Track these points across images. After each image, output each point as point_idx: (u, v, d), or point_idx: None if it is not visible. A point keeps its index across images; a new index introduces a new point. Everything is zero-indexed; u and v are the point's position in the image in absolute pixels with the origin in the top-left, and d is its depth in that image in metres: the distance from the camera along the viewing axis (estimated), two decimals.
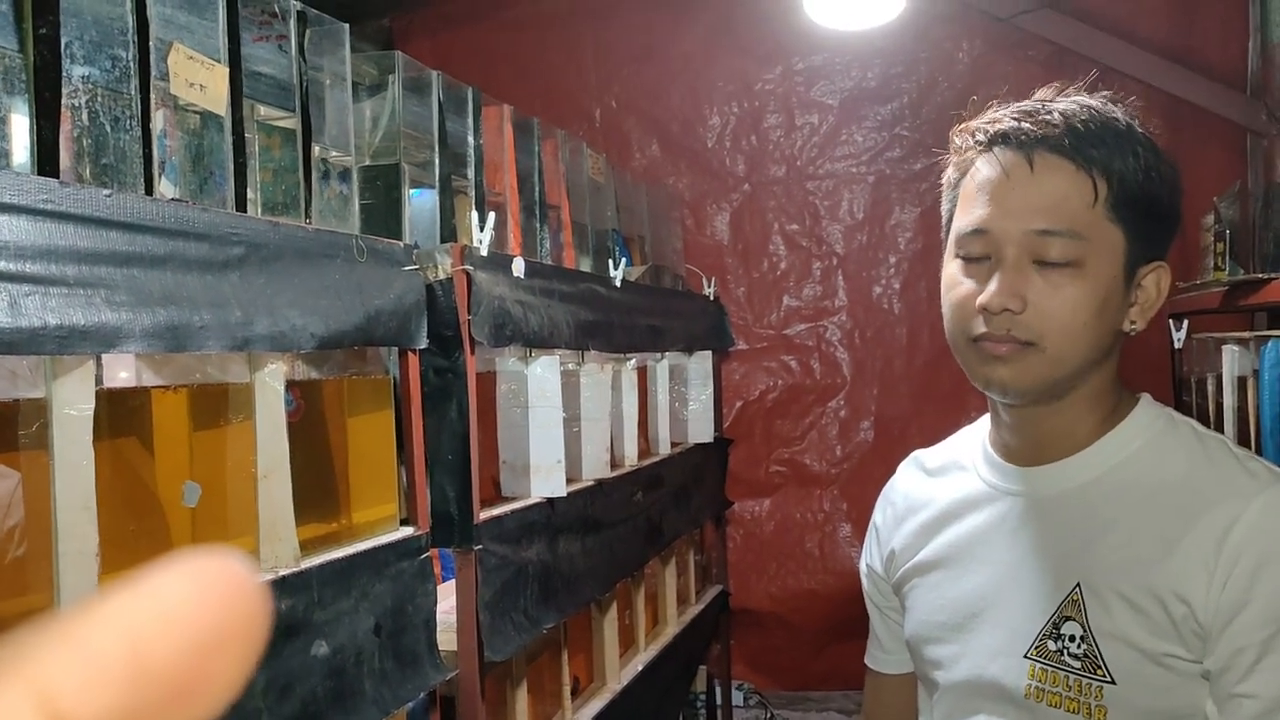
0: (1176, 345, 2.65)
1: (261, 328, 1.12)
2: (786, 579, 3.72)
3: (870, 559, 1.31)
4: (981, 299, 1.02)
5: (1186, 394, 2.62)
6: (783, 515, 3.75)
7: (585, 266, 2.30)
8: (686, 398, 2.90)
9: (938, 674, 1.16)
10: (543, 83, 3.74)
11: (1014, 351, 1.02)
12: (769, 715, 3.64)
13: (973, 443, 1.20)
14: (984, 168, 1.05)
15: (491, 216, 1.63)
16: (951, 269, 1.08)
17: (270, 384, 1.19)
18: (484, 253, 1.59)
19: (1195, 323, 2.68)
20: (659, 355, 2.62)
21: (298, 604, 1.19)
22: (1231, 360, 2.24)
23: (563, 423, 1.81)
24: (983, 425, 1.20)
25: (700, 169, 3.78)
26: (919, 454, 1.30)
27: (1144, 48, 3.24)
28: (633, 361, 2.34)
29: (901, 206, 3.67)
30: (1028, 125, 1.03)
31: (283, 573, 1.18)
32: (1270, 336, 2.02)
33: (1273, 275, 2.17)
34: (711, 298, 3.19)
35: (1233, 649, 0.96)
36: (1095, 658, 1.01)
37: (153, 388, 1.08)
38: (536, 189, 2.05)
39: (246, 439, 1.18)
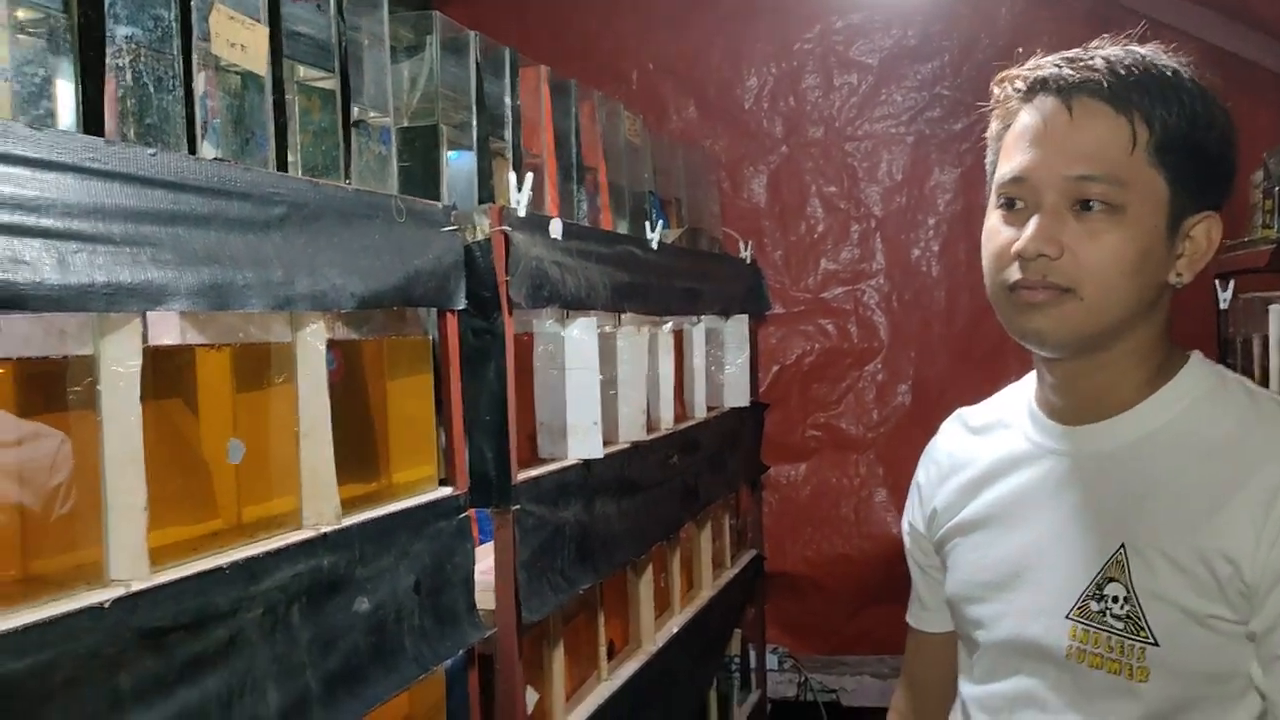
0: (1222, 305, 2.61)
1: (302, 287, 1.12)
2: (822, 543, 3.73)
3: (912, 517, 1.30)
4: (1017, 245, 1.01)
5: (1231, 356, 2.58)
6: (819, 480, 3.75)
7: (622, 229, 2.30)
8: (723, 361, 2.89)
9: (979, 633, 1.15)
10: (579, 45, 3.72)
11: (1051, 299, 1.01)
12: (803, 679, 3.66)
13: (1018, 401, 1.19)
14: (1025, 116, 1.04)
15: (529, 178, 1.63)
16: (992, 220, 1.07)
17: (312, 343, 1.20)
18: (521, 214, 1.59)
19: (1242, 282, 2.63)
20: (695, 319, 2.62)
21: (340, 561, 1.21)
22: (1278, 320, 2.20)
23: (599, 385, 1.82)
24: (1028, 383, 1.18)
25: (737, 131, 3.75)
26: (963, 411, 1.29)
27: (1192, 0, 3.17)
28: (669, 325, 2.33)
29: (941, 168, 3.63)
30: (1068, 71, 1.02)
31: (325, 530, 1.19)
32: None
33: None
34: (748, 261, 3.17)
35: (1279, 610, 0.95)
36: (1139, 619, 1.00)
37: (197, 346, 1.09)
38: (573, 151, 2.04)
39: (288, 398, 1.19)
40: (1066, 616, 1.05)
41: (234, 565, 1.04)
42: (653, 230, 2.24)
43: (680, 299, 2.41)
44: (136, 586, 0.94)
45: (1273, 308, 2.24)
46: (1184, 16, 3.09)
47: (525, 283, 1.58)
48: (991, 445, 1.19)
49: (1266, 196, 2.54)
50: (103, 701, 0.88)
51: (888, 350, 3.70)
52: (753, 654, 3.33)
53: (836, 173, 3.70)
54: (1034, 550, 1.10)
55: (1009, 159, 1.05)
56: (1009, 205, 1.05)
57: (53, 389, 0.93)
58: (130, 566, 0.95)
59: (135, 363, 0.95)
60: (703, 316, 2.66)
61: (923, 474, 1.29)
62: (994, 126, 1.10)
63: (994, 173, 1.08)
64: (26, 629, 0.82)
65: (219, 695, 1.01)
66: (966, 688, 1.19)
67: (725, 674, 3.05)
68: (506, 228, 1.54)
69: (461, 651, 1.48)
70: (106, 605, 0.89)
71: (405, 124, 1.58)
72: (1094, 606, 1.03)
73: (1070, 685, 1.05)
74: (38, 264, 0.83)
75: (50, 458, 0.94)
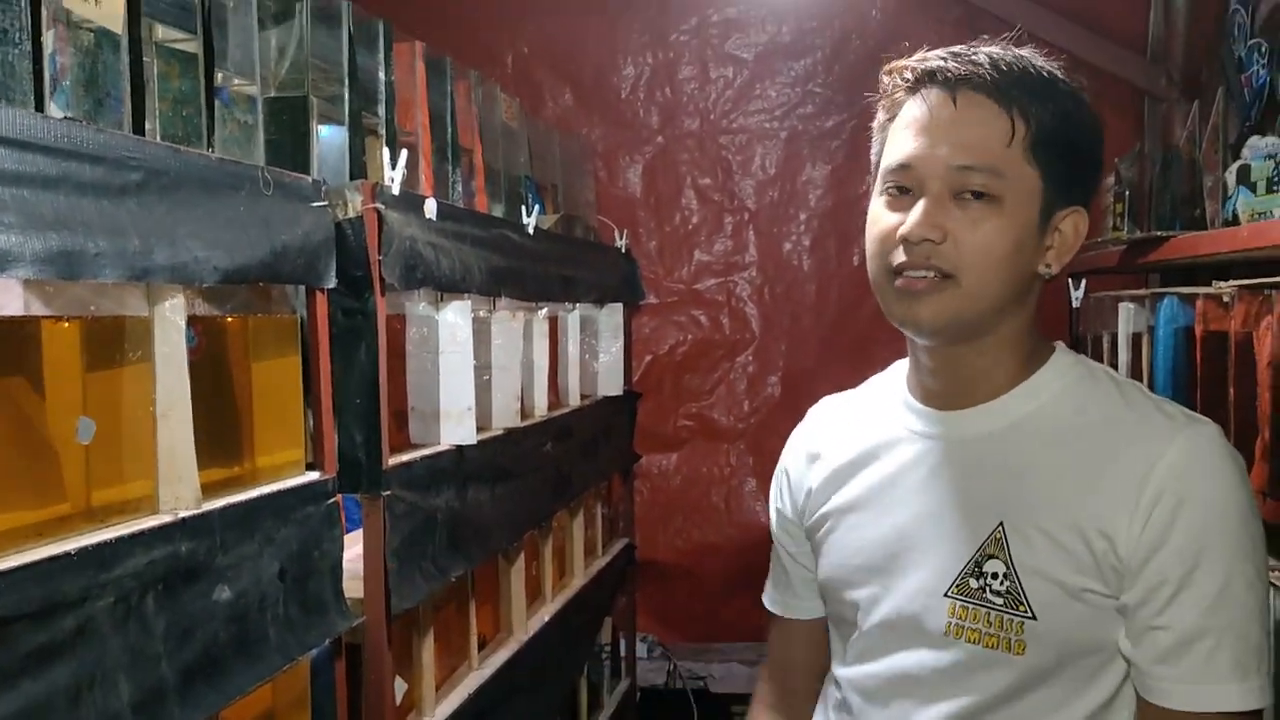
0: (1075, 304, 2.72)
1: (161, 258, 1.07)
2: (692, 532, 3.76)
3: (781, 504, 1.31)
4: (903, 229, 1.05)
5: (1083, 352, 2.69)
6: (690, 469, 3.77)
7: (497, 212, 2.26)
8: (597, 350, 2.88)
9: (856, 616, 1.17)
10: (454, 26, 3.64)
11: (932, 286, 1.04)
12: (672, 666, 3.68)
13: (887, 389, 1.22)
14: (911, 106, 1.08)
15: (403, 155, 1.59)
16: (876, 206, 1.10)
17: (170, 318, 1.13)
18: (395, 192, 1.55)
19: (1093, 282, 2.76)
20: (570, 306, 2.60)
21: (199, 547, 1.15)
22: (1127, 317, 2.31)
23: (473, 370, 1.78)
24: (897, 371, 1.21)
25: (613, 120, 3.74)
26: (829, 399, 1.32)
27: (1051, 9, 3.29)
28: (544, 311, 2.31)
29: (813, 163, 3.69)
30: (953, 64, 1.06)
31: (183, 514, 1.14)
32: (1165, 294, 2.08)
33: (1169, 234, 2.24)
34: (623, 250, 3.17)
35: (1151, 584, 1.01)
36: (1018, 594, 1.04)
37: (43, 318, 1.02)
38: (449, 130, 2.00)
39: (145, 376, 1.13)
40: (945, 594, 1.08)
41: (82, 551, 0.98)
42: (529, 215, 2.21)
43: (556, 285, 2.39)
44: None
45: (1122, 305, 2.35)
46: (1043, 25, 3.20)
47: (398, 262, 1.53)
48: (861, 431, 1.22)
49: (1117, 200, 2.66)
50: None
51: (759, 342, 3.75)
52: (623, 642, 3.33)
53: (711, 165, 3.73)
54: (911, 532, 1.12)
55: (896, 147, 1.08)
56: (894, 191, 1.07)
57: None
58: None
59: None
60: (578, 304, 2.64)
61: (790, 460, 1.31)
62: (880, 116, 1.13)
63: (879, 161, 1.10)
64: None
65: (66, 688, 0.95)
66: (841, 670, 1.21)
67: (596, 662, 3.05)
68: (379, 205, 1.50)
69: (328, 641, 1.43)
70: None
71: (273, 94, 1.51)
72: (973, 584, 1.07)
73: (947, 661, 1.08)
74: None
75: None
